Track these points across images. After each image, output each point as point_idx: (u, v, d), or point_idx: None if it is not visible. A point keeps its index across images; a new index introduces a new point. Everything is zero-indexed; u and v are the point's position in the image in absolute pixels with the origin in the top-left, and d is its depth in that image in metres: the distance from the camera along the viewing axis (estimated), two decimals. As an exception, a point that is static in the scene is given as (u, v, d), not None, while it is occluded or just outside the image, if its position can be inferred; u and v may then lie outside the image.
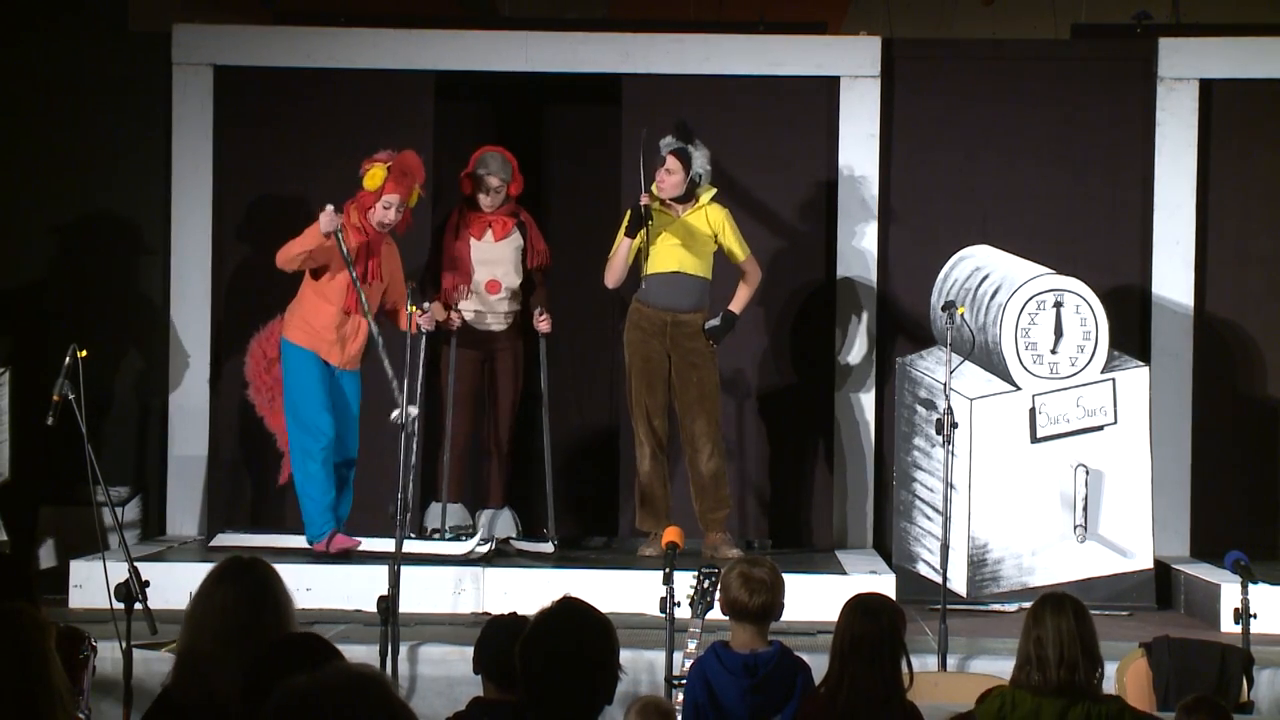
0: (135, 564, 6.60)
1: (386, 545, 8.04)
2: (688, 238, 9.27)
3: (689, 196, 9.31)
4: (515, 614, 5.27)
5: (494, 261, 9.58)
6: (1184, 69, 10.18)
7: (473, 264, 9.57)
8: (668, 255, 9.25)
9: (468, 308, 9.56)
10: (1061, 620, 4.98)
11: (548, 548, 9.38)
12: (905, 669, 5.16)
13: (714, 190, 9.38)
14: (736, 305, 9.42)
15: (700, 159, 9.30)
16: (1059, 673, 4.96)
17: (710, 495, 9.33)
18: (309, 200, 10.27)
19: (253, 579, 4.20)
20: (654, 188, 9.29)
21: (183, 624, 4.21)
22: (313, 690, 2.81)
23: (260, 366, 9.44)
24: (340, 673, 2.85)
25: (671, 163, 9.25)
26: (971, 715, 5.04)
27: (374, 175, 8.90)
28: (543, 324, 9.54)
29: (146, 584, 6.46)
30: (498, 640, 5.04)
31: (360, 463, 9.55)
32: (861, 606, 5.20)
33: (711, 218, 9.33)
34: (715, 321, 9.31)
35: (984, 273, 9.33)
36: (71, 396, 7.10)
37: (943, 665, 7.31)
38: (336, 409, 8.96)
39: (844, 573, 9.00)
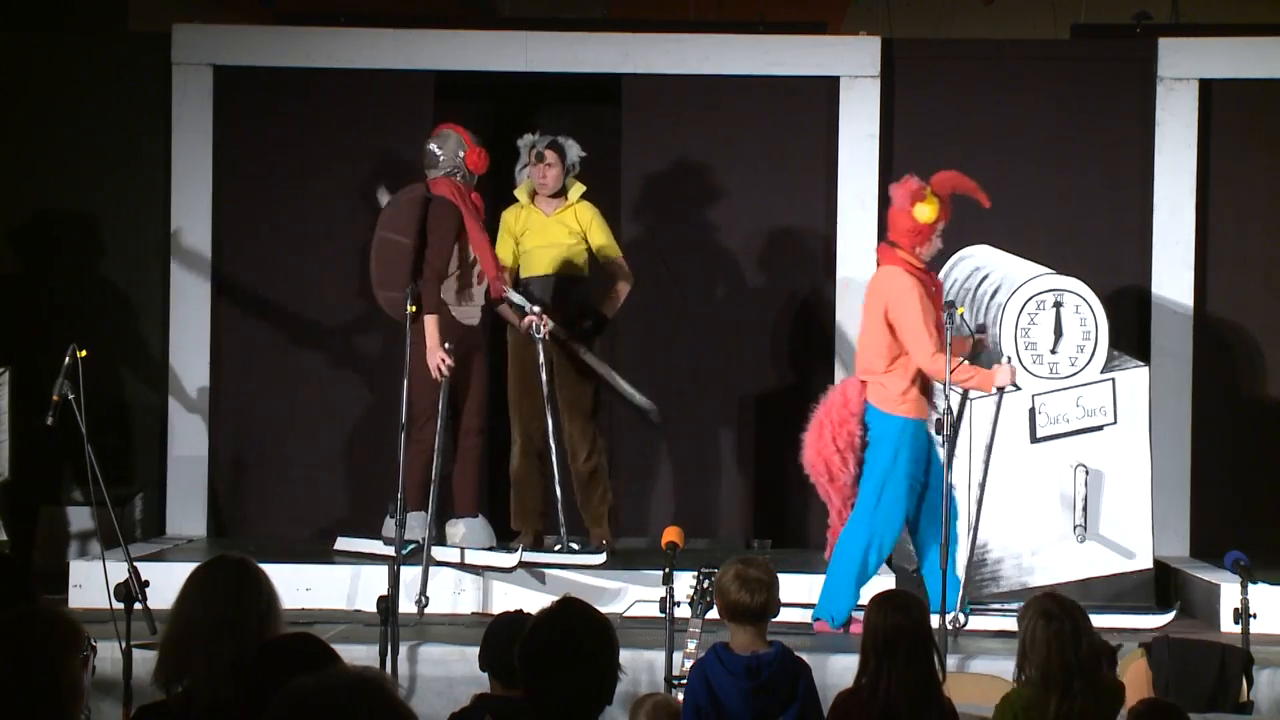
0: (135, 564, 6.62)
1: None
2: (560, 238, 9.14)
3: (561, 193, 9.17)
4: (520, 611, 5.27)
5: None
6: (1184, 69, 10.17)
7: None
8: (540, 257, 9.11)
9: (477, 301, 9.00)
10: (1050, 625, 4.98)
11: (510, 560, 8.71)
12: (937, 664, 5.21)
13: (584, 188, 9.19)
14: (609, 309, 9.17)
15: (574, 150, 9.18)
16: (1058, 676, 4.96)
17: (590, 492, 9.27)
18: (308, 199, 10.29)
19: (239, 577, 4.16)
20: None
21: (167, 620, 4.19)
22: (315, 692, 2.80)
23: (824, 441, 8.50)
24: (342, 675, 2.84)
25: (550, 156, 9.11)
26: None
27: (931, 206, 8.04)
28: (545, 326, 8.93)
29: (146, 584, 6.47)
30: (502, 638, 5.05)
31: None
32: (890, 602, 5.24)
33: (580, 216, 9.17)
34: (588, 324, 9.10)
35: (984, 273, 9.32)
36: (71, 396, 7.11)
37: (942, 665, 7.30)
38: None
39: (844, 573, 8.97)
